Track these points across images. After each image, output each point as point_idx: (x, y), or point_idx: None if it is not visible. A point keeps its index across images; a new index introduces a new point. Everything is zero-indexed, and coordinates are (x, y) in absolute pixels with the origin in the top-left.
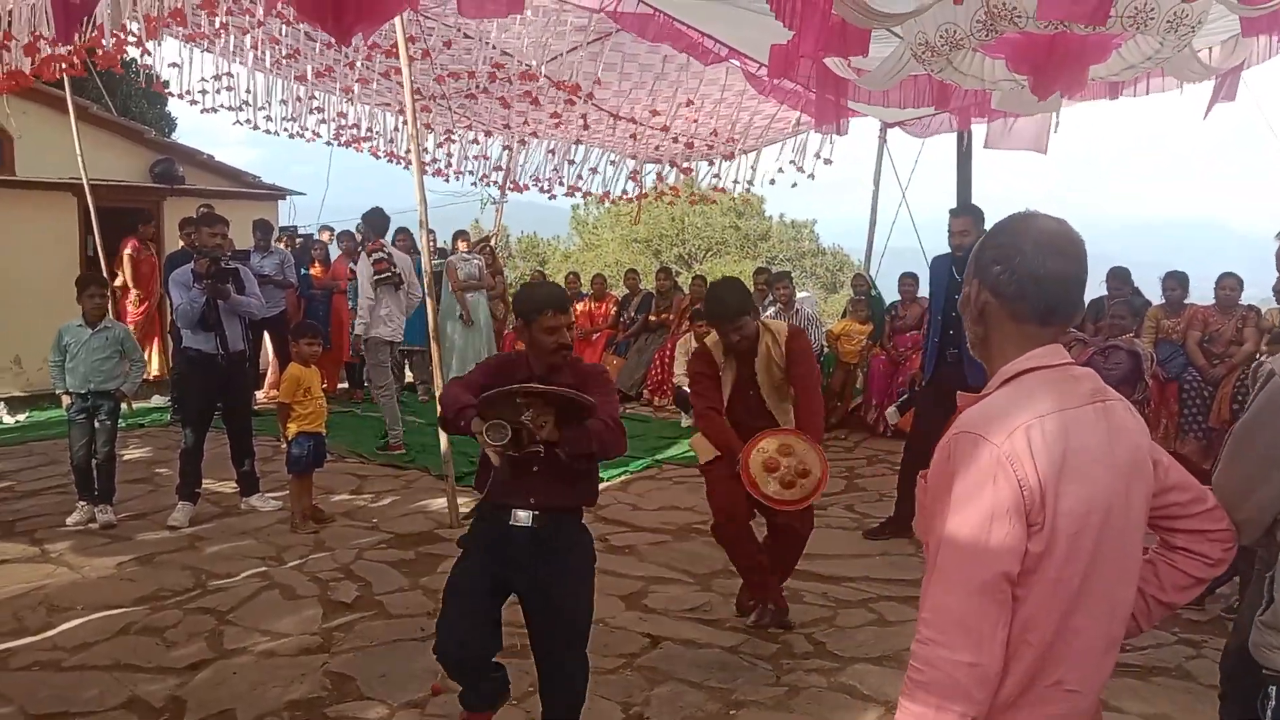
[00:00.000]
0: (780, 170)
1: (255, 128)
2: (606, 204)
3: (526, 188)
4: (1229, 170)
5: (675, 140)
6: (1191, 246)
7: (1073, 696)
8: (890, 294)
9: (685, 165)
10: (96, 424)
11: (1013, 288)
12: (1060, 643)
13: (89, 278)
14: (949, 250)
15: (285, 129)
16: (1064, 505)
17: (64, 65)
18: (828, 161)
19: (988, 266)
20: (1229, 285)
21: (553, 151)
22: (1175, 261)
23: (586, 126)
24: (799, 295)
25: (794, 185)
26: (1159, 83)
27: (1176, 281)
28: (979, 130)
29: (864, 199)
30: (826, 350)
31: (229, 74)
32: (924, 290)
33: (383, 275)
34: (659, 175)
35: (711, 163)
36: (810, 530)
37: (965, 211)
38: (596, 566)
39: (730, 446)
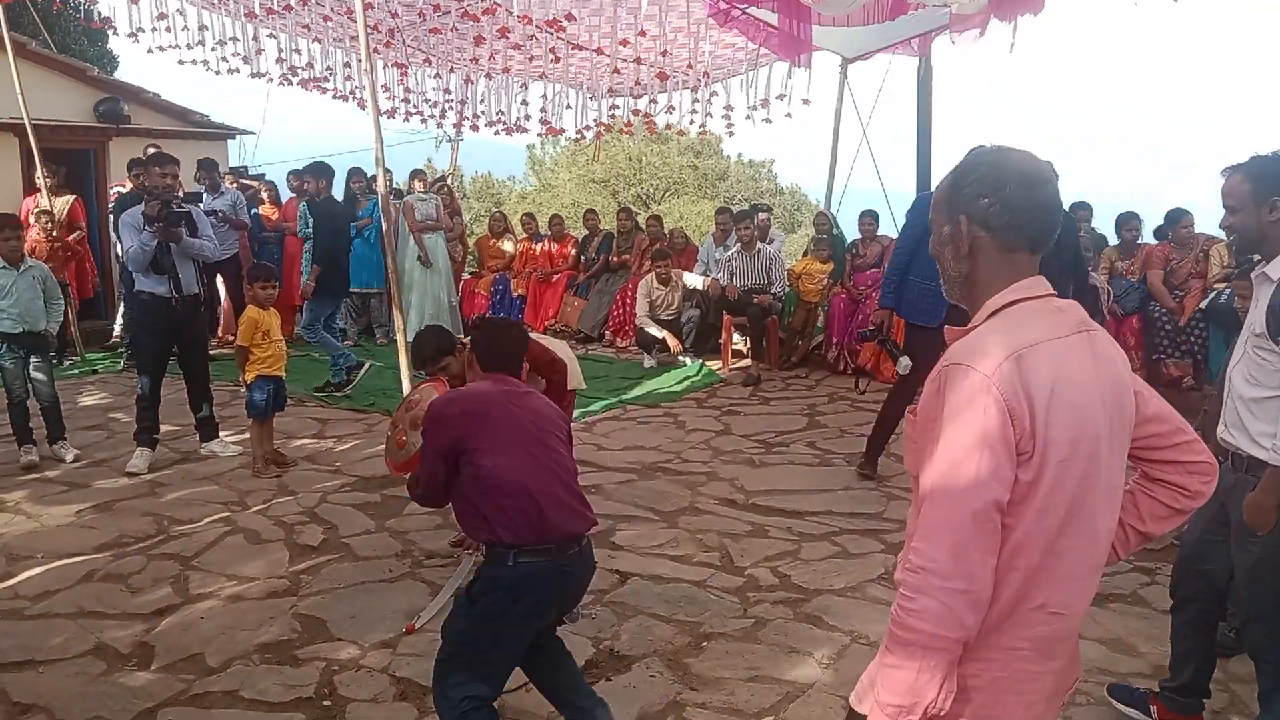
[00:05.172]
0: (753, 108)
1: (207, 67)
2: (565, 140)
3: (492, 125)
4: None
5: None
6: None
7: (1056, 619)
8: (850, 232)
9: (654, 98)
10: (34, 367)
11: (1005, 218)
12: (1045, 567)
13: (2, 219)
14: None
15: (235, 69)
16: (1053, 434)
17: None
18: (805, 101)
19: (972, 201)
20: (1187, 224)
21: (525, 86)
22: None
23: (557, 60)
24: None
25: (767, 120)
26: None
27: (1134, 222)
28: (939, 65)
29: (823, 138)
30: (788, 289)
31: (180, 12)
32: (885, 229)
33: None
34: (623, 108)
35: (696, 99)
36: None
37: None
38: None
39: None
